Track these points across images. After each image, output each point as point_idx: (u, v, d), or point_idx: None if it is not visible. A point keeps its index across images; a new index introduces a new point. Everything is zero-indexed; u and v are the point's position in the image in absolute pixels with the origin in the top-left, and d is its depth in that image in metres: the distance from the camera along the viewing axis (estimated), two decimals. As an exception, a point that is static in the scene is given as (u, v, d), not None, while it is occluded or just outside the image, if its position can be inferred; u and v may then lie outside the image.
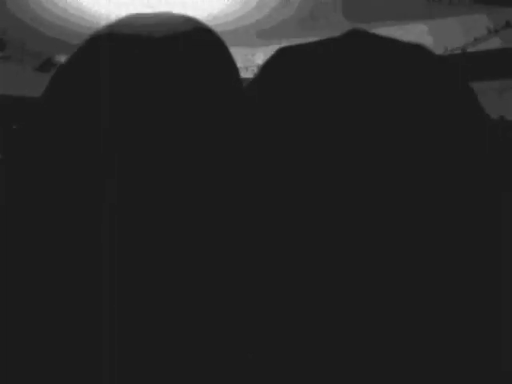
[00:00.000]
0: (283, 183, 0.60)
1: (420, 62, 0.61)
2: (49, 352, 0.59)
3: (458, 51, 3.27)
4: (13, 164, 0.68)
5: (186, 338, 0.59)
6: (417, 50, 0.63)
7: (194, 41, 0.66)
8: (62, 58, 3.54)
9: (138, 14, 0.70)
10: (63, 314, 0.60)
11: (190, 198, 0.61)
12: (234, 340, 0.58)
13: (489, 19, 3.23)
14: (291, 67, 0.64)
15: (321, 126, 0.59)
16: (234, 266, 0.60)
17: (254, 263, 0.60)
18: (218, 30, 0.69)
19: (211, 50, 0.66)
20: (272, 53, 0.68)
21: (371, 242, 0.57)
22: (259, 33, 3.29)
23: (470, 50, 3.26)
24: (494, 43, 3.22)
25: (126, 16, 0.70)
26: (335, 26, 3.24)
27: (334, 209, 0.58)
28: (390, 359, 0.56)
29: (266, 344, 0.58)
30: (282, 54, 0.67)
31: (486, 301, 0.57)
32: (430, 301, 0.56)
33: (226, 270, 0.60)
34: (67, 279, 0.60)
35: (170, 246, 0.60)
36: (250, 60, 3.57)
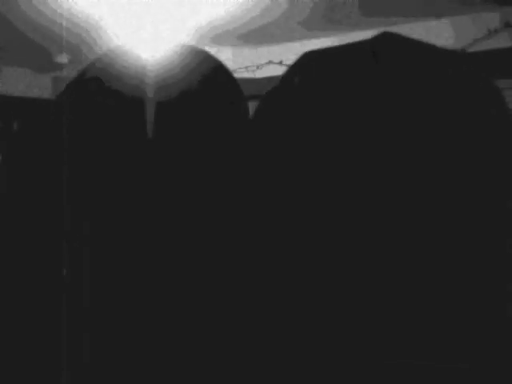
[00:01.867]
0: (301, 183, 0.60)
1: (449, 66, 0.61)
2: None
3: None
4: (14, 163, 0.68)
5: (185, 339, 0.58)
6: (447, 53, 0.62)
7: (205, 78, 0.66)
8: (62, 59, 3.55)
9: (132, 51, 0.70)
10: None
11: (191, 199, 0.61)
12: (233, 341, 0.58)
13: (489, 19, 3.24)
14: (319, 71, 0.63)
15: (348, 130, 0.59)
16: (233, 266, 0.60)
17: (254, 263, 0.60)
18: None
19: (223, 89, 0.66)
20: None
21: (375, 241, 0.57)
22: (265, 33, 3.28)
23: (470, 50, 3.28)
24: (494, 43, 3.23)
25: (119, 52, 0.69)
26: (353, 24, 3.23)
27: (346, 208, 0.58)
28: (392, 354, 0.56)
29: (267, 344, 0.58)
30: (308, 57, 0.65)
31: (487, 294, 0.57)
32: (430, 296, 0.56)
33: (225, 270, 0.60)
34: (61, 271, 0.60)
35: (169, 244, 0.60)
36: (251, 60, 3.58)
